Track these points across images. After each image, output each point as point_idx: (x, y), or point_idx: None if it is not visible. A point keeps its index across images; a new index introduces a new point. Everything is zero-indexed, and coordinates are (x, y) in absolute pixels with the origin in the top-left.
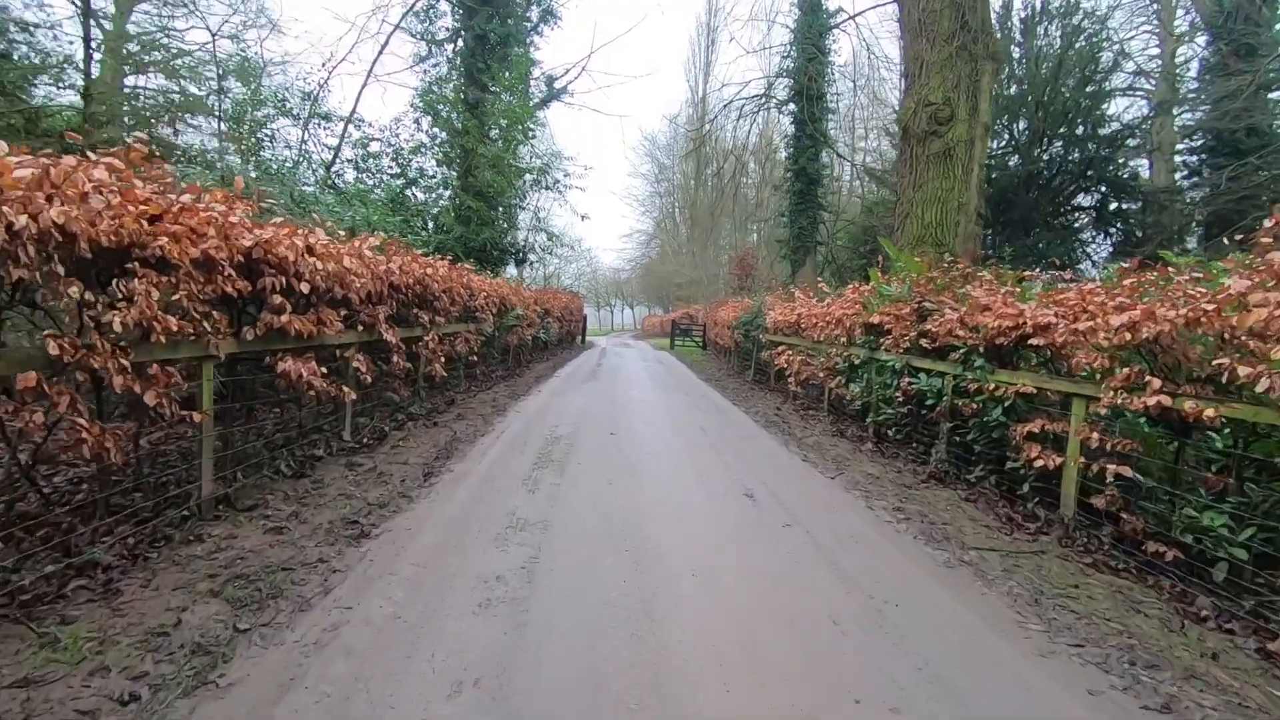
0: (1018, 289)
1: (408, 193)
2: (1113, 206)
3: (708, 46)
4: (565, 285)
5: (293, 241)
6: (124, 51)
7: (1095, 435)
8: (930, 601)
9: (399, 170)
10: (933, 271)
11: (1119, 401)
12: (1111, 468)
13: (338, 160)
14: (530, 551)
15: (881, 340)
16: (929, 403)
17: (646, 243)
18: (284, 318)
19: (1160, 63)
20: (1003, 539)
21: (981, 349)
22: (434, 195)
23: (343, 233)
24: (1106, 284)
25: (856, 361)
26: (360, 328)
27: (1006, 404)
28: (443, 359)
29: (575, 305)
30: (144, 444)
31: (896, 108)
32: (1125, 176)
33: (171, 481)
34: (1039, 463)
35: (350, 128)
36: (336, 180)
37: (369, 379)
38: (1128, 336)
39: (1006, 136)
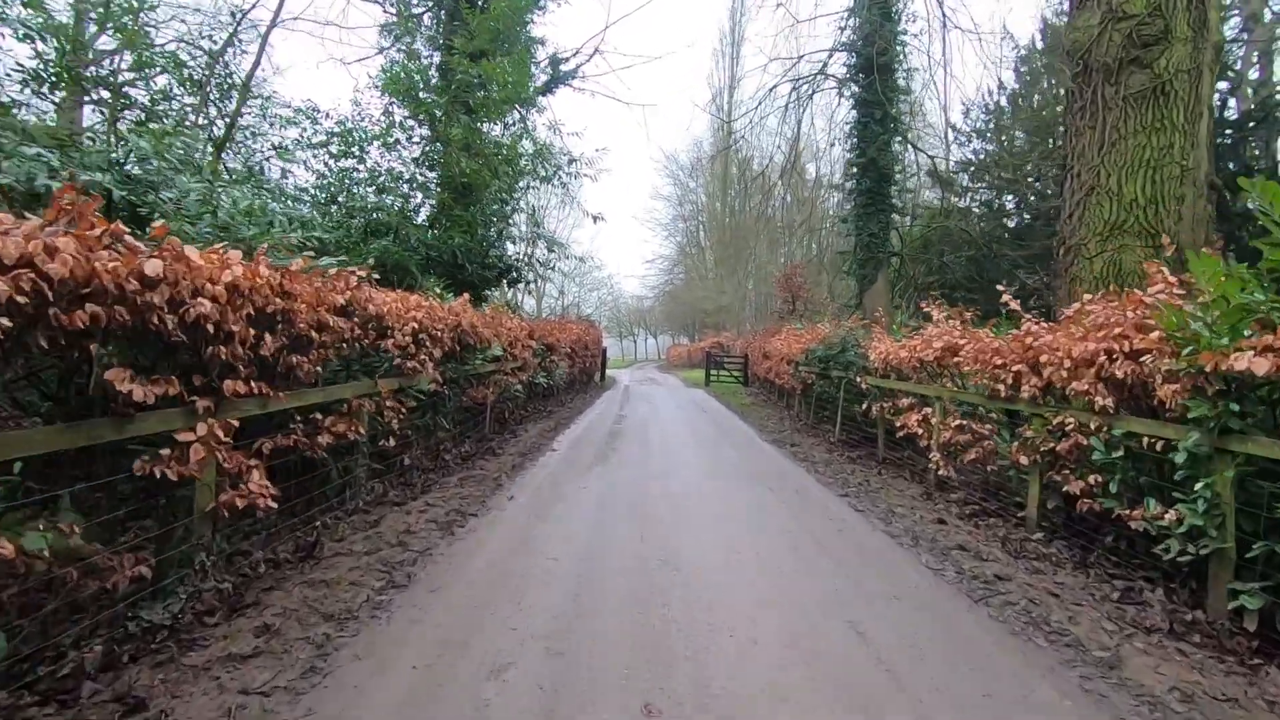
0: None
1: (372, 195)
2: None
3: (738, 21)
4: (586, 315)
5: None
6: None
7: None
8: None
9: (355, 161)
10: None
11: None
12: None
13: (253, 140)
14: None
15: None
16: None
17: (670, 269)
18: None
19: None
20: None
21: None
22: (406, 200)
23: None
24: None
25: (1177, 455)
26: None
27: None
28: (258, 475)
29: (592, 338)
30: None
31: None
32: None
33: None
34: None
35: (266, 103)
36: (259, 169)
37: None
38: None
39: None
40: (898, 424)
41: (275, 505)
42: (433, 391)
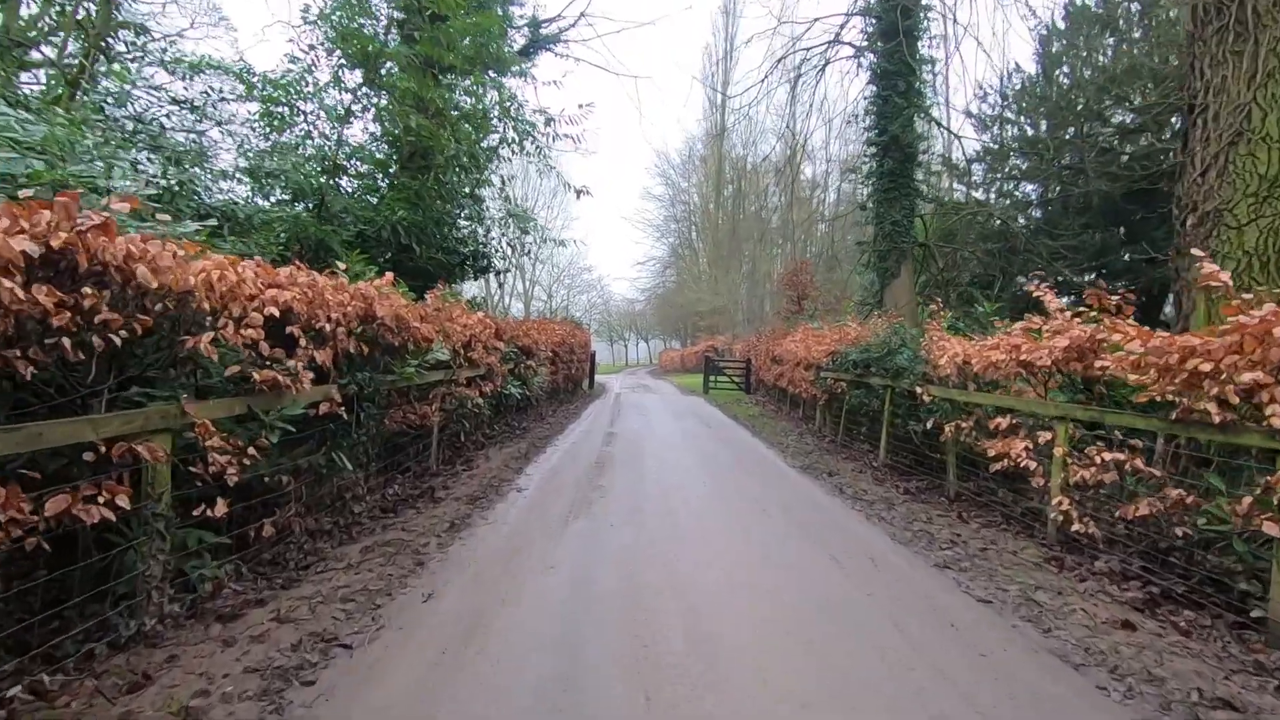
0: None
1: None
2: None
3: None
4: (575, 317)
5: None
6: None
7: None
8: None
9: (302, 135)
10: None
11: None
12: None
13: (130, 85)
14: None
15: None
16: None
17: (662, 271)
18: None
19: None
20: None
21: None
22: (361, 181)
23: None
24: None
25: None
26: None
27: None
28: None
29: (579, 340)
30: None
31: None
32: None
33: None
34: None
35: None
36: (154, 123)
37: None
38: None
39: None
40: (990, 452)
41: None
42: (326, 415)
